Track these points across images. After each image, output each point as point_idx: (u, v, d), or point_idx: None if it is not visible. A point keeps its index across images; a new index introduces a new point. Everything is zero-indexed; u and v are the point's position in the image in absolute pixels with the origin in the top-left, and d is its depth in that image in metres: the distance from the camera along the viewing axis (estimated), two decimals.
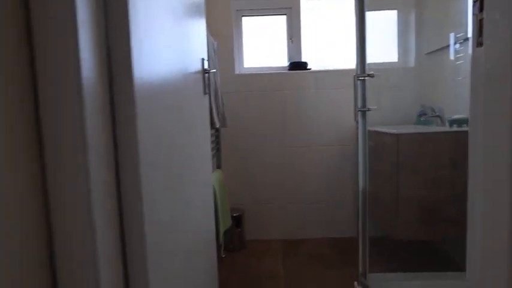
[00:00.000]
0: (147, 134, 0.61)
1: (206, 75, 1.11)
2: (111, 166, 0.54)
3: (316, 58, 2.39)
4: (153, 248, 0.61)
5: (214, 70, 1.34)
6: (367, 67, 1.32)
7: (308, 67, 2.32)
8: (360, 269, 1.38)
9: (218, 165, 2.13)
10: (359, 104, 1.32)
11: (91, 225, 0.48)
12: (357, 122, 1.36)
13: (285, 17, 2.38)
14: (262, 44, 2.44)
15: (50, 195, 0.47)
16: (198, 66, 1.06)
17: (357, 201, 2.24)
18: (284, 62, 2.40)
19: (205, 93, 1.11)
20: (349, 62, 2.33)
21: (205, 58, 1.13)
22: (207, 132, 1.22)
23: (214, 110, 1.60)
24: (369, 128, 1.39)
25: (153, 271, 0.61)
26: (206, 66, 1.12)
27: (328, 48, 2.40)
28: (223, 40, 2.22)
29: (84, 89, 0.46)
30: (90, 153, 0.47)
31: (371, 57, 1.37)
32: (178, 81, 0.86)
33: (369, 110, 1.31)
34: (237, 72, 2.30)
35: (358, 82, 1.32)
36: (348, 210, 2.30)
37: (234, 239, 2.12)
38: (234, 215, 2.10)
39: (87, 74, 0.47)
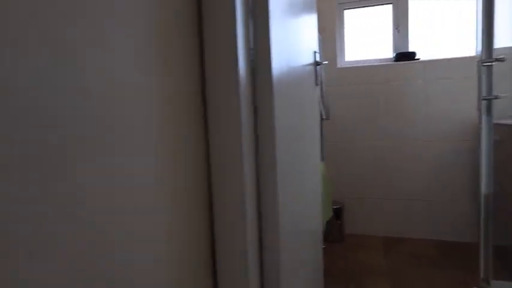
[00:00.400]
0: (279, 129, 0.68)
1: (318, 67, 1.16)
2: (253, 165, 0.63)
3: (425, 47, 2.22)
4: (284, 242, 0.68)
5: (326, 62, 1.39)
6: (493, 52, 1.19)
7: (416, 57, 2.17)
8: (482, 274, 1.27)
9: (321, 157, 2.17)
10: (483, 92, 1.20)
11: (243, 219, 0.57)
12: (480, 113, 1.24)
13: (390, 6, 2.27)
14: (364, 36, 2.37)
15: (213, 191, 0.58)
16: (311, 59, 1.12)
17: (471, 202, 2.02)
18: (389, 53, 2.30)
19: (316, 84, 1.16)
20: (464, 49, 2.10)
21: (317, 51, 1.18)
22: (317, 123, 1.27)
23: (320, 102, 1.64)
24: (495, 121, 1.25)
25: (283, 263, 0.68)
26: (318, 58, 1.17)
27: (440, 35, 2.20)
28: (325, 34, 2.23)
29: (240, 86, 0.55)
30: (243, 151, 0.56)
31: (497, 42, 1.22)
32: (298, 73, 0.93)
33: (496, 97, 1.18)
34: (338, 66, 2.29)
35: (483, 68, 1.20)
36: (458, 211, 2.09)
37: (333, 231, 2.14)
38: (334, 207, 2.12)
39: (242, 73, 0.56)
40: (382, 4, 2.29)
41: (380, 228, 2.24)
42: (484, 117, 1.23)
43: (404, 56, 2.16)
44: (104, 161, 0.34)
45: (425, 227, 2.16)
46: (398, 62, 2.16)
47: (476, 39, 1.24)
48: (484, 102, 1.21)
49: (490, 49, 1.18)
